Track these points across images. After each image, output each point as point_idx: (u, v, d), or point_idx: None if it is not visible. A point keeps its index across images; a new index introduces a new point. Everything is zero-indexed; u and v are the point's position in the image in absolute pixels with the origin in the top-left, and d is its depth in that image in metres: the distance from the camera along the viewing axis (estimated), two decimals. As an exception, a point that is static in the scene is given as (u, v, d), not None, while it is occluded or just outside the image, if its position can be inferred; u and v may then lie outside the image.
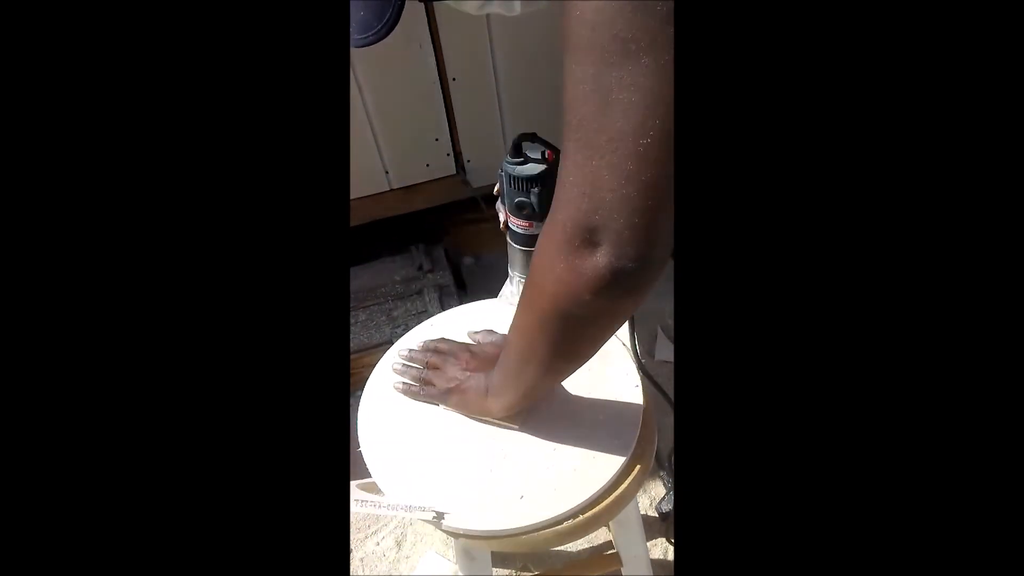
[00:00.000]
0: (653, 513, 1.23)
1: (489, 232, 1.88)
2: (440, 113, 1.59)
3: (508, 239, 0.80)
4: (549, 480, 0.64)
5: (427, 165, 1.67)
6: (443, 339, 0.80)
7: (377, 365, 0.80)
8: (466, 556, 0.73)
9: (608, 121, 0.39)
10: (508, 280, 0.85)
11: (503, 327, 0.79)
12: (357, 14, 0.56)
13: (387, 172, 1.64)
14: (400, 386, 0.77)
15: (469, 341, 0.81)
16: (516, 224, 0.76)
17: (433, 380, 0.74)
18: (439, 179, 1.70)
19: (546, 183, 0.71)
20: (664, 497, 1.24)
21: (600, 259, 0.43)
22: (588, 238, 0.43)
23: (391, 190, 1.68)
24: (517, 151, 0.71)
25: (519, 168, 0.70)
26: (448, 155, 1.67)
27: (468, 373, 0.72)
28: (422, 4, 1.29)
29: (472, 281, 1.79)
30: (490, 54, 1.55)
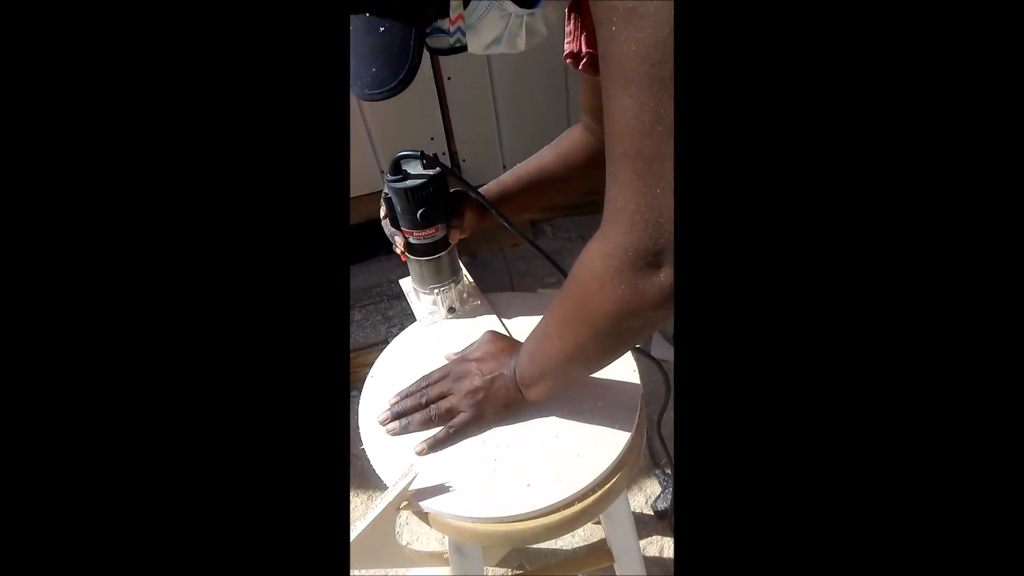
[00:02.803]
0: (649, 511, 1.24)
1: (484, 230, 1.88)
2: (436, 112, 1.60)
3: (411, 259, 0.79)
4: (555, 465, 0.65)
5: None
6: (424, 375, 0.73)
7: (376, 363, 0.80)
8: (458, 553, 0.73)
9: (671, 151, 0.42)
10: (417, 301, 0.84)
11: (454, 341, 0.77)
12: (368, 69, 0.54)
13: (383, 171, 1.64)
14: (423, 447, 0.67)
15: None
16: (420, 237, 0.76)
17: (457, 406, 0.68)
18: (434, 178, 1.70)
19: (440, 185, 0.72)
20: (660, 495, 1.24)
21: (664, 279, 0.46)
22: (652, 260, 0.46)
23: (387, 189, 1.68)
24: (396, 169, 0.72)
25: (412, 181, 0.71)
26: (443, 154, 1.67)
27: (487, 378, 0.68)
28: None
29: (468, 280, 1.79)
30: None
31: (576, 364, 0.61)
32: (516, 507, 0.62)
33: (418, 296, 0.84)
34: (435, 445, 0.67)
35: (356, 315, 1.59)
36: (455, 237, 0.78)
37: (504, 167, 1.75)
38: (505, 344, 0.72)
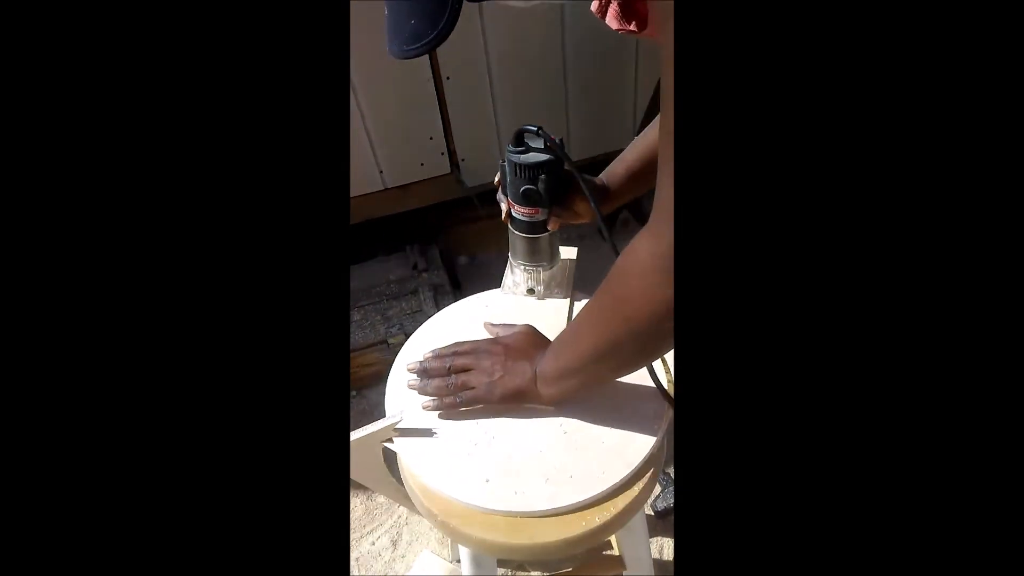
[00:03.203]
0: (649, 511, 1.24)
1: (484, 231, 1.88)
2: (434, 112, 1.59)
3: (510, 228, 0.80)
4: (590, 461, 0.64)
5: (421, 164, 1.67)
6: (458, 342, 0.74)
7: (397, 357, 0.78)
8: (474, 564, 0.72)
9: None
10: (508, 269, 0.85)
11: (511, 317, 0.79)
12: (407, 23, 0.52)
13: (381, 171, 1.64)
14: (430, 404, 0.70)
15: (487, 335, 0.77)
16: (520, 212, 0.76)
17: (470, 381, 0.69)
18: (433, 178, 1.70)
19: (552, 171, 0.71)
20: (659, 495, 1.24)
21: None
22: None
23: (385, 189, 1.68)
24: (519, 140, 0.72)
25: (525, 157, 0.71)
26: (442, 154, 1.67)
27: (509, 363, 0.68)
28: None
29: (467, 280, 1.80)
30: (484, 53, 1.55)
31: (605, 363, 0.60)
32: (550, 501, 0.61)
33: (510, 266, 0.85)
34: (442, 410, 0.69)
35: (355, 315, 1.59)
36: (554, 225, 0.78)
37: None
38: (539, 341, 0.71)
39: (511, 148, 0.72)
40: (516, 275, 0.84)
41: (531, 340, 0.71)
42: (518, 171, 0.72)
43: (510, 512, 0.61)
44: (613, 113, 1.77)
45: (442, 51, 1.49)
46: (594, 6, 0.59)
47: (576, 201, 0.77)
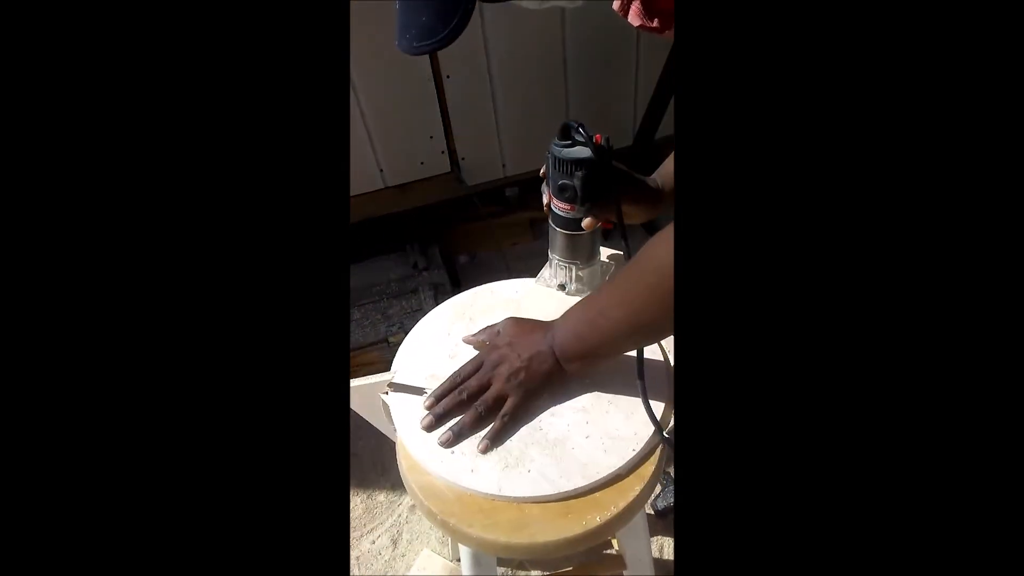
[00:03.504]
0: (649, 511, 1.23)
1: (484, 230, 1.88)
2: (434, 111, 1.59)
3: (549, 221, 0.78)
4: (585, 449, 0.64)
5: (421, 163, 1.67)
6: (454, 373, 0.70)
7: (396, 358, 0.77)
8: (474, 563, 0.72)
9: None
10: (547, 263, 0.84)
11: (539, 310, 0.77)
12: (419, 19, 0.51)
13: (381, 170, 1.64)
14: (485, 445, 0.64)
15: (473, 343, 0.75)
16: (558, 207, 0.75)
17: (502, 391, 0.65)
18: (433, 177, 1.70)
19: (591, 168, 0.70)
20: (659, 494, 1.24)
21: None
22: None
23: (385, 188, 1.67)
24: (565, 134, 0.71)
25: (566, 151, 0.70)
26: (443, 153, 1.67)
27: (524, 355, 0.65)
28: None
29: (467, 279, 1.79)
30: (484, 51, 1.54)
31: (638, 336, 0.61)
32: (558, 485, 0.61)
33: (549, 260, 0.84)
34: (495, 438, 0.64)
35: (355, 314, 1.59)
36: (590, 225, 0.75)
37: (504, 166, 1.75)
38: (531, 324, 0.70)
39: (556, 141, 0.71)
40: (553, 268, 0.83)
41: (525, 327, 0.70)
42: (558, 165, 0.71)
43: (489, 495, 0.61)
44: (614, 112, 1.77)
45: (442, 50, 1.49)
46: (616, 4, 0.58)
47: (625, 202, 0.73)
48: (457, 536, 0.63)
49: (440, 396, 0.68)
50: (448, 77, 1.55)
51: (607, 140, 0.71)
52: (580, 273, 0.81)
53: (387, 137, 1.59)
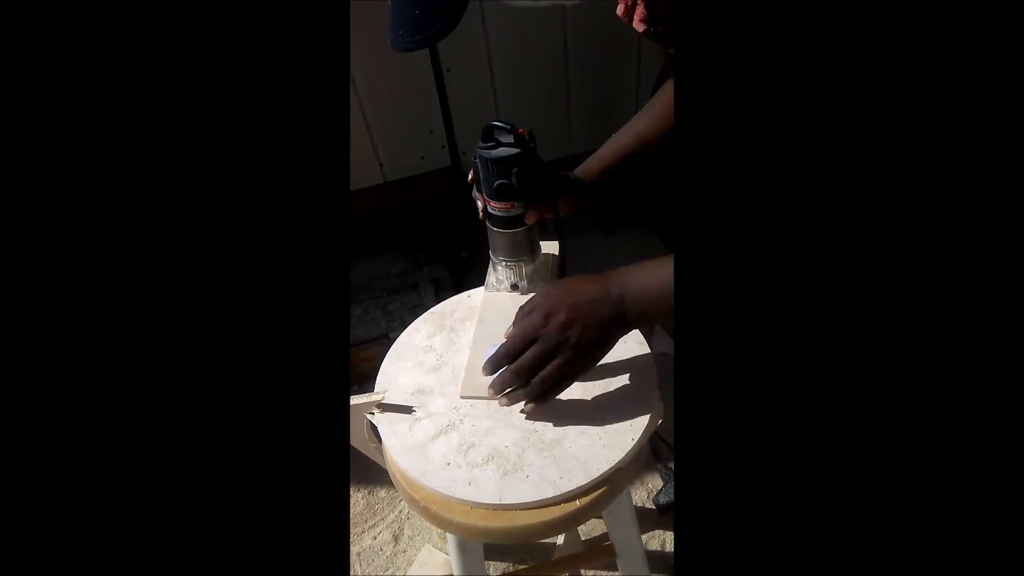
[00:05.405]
0: (651, 505, 1.23)
1: (485, 225, 1.87)
2: (435, 105, 1.59)
3: (488, 225, 0.79)
4: (580, 448, 0.63)
5: (422, 157, 1.66)
6: (500, 344, 0.66)
7: (379, 376, 0.78)
8: (460, 552, 0.72)
9: None
10: (491, 267, 0.84)
11: (500, 311, 0.78)
12: (412, 13, 0.50)
13: (381, 165, 1.63)
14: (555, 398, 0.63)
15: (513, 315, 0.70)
16: (496, 208, 0.76)
17: (572, 343, 0.61)
18: (434, 171, 1.69)
19: (524, 164, 0.71)
20: (661, 489, 1.24)
21: None
22: None
23: (385, 183, 1.67)
24: (488, 136, 0.71)
25: (495, 152, 0.71)
26: (443, 147, 1.66)
27: (576, 311, 0.61)
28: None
29: (468, 274, 1.79)
30: (485, 45, 1.54)
31: None
32: (547, 490, 0.60)
33: (492, 264, 0.84)
34: (546, 395, 0.63)
35: (356, 310, 1.59)
36: (531, 218, 0.77)
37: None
38: (584, 279, 0.65)
39: (481, 144, 0.72)
40: (499, 272, 0.84)
41: (575, 283, 0.65)
42: (490, 166, 0.72)
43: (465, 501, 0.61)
44: (616, 106, 1.76)
45: (442, 43, 1.48)
46: (620, 9, 0.57)
47: (559, 196, 0.76)
48: (438, 522, 0.63)
49: (503, 372, 0.65)
50: (448, 71, 1.55)
51: (530, 132, 0.72)
52: (528, 269, 0.82)
53: (387, 132, 1.58)
